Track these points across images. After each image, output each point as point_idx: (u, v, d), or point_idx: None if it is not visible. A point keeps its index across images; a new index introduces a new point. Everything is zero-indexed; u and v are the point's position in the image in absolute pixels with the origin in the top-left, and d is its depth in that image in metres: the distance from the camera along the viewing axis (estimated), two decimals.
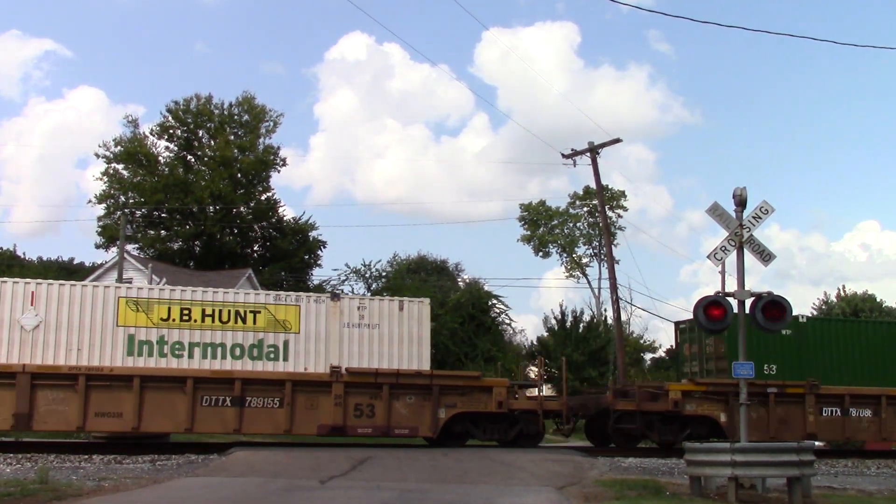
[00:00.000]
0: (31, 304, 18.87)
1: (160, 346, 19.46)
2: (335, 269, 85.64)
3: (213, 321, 19.86)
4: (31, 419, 18.30)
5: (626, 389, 22.76)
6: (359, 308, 20.56)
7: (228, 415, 19.12)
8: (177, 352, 19.53)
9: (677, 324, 25.04)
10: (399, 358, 20.54)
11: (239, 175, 55.17)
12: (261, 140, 57.60)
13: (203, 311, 19.85)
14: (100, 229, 54.01)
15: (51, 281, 20.41)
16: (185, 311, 19.66)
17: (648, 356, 57.09)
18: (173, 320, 19.57)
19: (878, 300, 58.57)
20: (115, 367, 18.91)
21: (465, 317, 43.99)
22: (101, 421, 18.69)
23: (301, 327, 20.15)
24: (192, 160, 56.56)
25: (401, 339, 20.63)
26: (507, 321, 50.19)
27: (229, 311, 19.90)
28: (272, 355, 19.90)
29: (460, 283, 66.89)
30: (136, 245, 52.79)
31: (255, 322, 19.93)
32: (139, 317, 19.40)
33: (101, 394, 18.58)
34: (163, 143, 56.10)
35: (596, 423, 22.67)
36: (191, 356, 19.66)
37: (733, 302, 14.07)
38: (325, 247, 59.27)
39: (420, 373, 20.33)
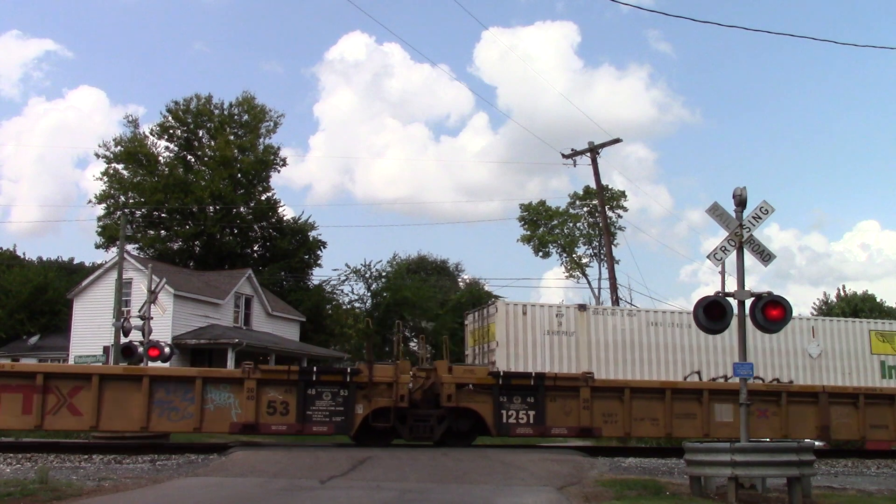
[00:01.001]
0: (813, 336, 22.70)
1: None
2: (335, 269, 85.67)
3: None
4: (829, 430, 21.09)
5: None
6: None
7: None
8: None
9: None
10: None
11: (239, 175, 55.13)
12: (261, 140, 57.63)
13: None
14: (100, 229, 54.10)
15: (822, 318, 26.22)
16: None
17: None
18: None
19: (877, 300, 58.61)
20: (883, 388, 22.03)
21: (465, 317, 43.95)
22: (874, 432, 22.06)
23: None
24: (192, 160, 56.55)
25: None
26: None
27: None
28: None
29: (460, 283, 66.97)
30: (136, 245, 52.76)
31: None
32: (885, 346, 23.35)
33: (872, 410, 21.28)
34: (163, 143, 56.19)
35: None
36: None
37: (733, 302, 14.06)
38: (324, 247, 59.28)
39: None
